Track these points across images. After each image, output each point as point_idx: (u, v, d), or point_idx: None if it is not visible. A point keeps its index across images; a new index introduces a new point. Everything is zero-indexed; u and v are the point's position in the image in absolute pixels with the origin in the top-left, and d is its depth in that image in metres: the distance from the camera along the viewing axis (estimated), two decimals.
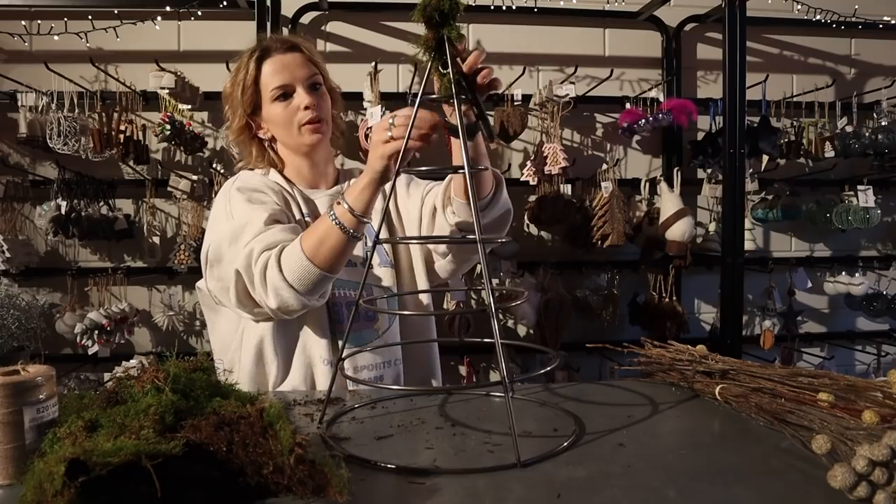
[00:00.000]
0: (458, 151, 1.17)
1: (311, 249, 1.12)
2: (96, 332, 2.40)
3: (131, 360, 2.49)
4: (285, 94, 1.31)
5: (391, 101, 2.58)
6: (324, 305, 1.28)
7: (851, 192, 2.73)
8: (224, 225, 1.23)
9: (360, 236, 1.15)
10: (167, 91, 2.36)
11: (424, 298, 1.46)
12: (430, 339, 1.42)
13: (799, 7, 2.65)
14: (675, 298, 2.73)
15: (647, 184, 2.75)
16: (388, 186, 1.41)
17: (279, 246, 1.15)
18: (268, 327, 1.27)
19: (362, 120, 2.47)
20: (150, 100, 2.55)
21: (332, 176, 1.45)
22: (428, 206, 1.36)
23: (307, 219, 1.33)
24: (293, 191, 1.36)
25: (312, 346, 1.28)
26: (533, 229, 2.82)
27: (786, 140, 2.74)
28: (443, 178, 2.44)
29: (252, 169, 1.41)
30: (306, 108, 1.30)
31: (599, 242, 2.56)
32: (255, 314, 1.23)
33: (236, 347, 1.31)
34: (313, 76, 1.33)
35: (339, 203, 1.12)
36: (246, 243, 1.17)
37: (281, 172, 1.39)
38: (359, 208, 1.11)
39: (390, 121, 1.04)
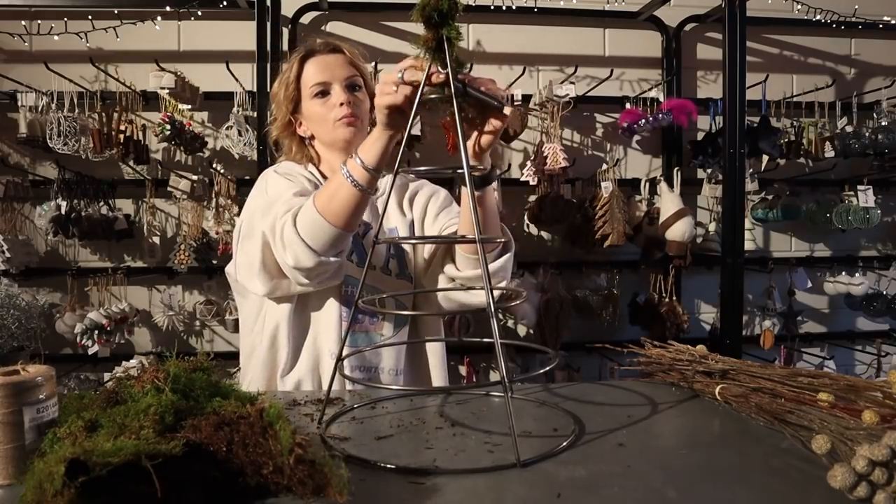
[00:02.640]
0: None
1: (324, 205, 1.12)
2: (96, 332, 2.40)
3: (131, 360, 2.49)
4: (324, 91, 1.35)
5: None
6: (338, 300, 1.30)
7: (851, 192, 2.74)
8: (258, 201, 1.27)
9: (373, 191, 1.13)
10: (167, 91, 2.36)
11: (437, 316, 1.47)
12: (431, 339, 1.42)
13: (799, 7, 2.65)
14: (675, 298, 2.73)
15: (647, 184, 2.75)
16: (383, 189, 1.43)
17: (298, 205, 1.17)
18: (284, 314, 1.28)
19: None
20: (150, 100, 2.55)
21: None
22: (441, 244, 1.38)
23: None
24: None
25: (322, 338, 1.30)
26: (533, 229, 2.82)
27: (786, 140, 2.74)
28: (443, 179, 2.44)
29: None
30: (341, 104, 1.32)
31: (599, 242, 2.56)
32: (276, 286, 1.23)
33: (258, 331, 1.33)
34: (352, 77, 1.36)
35: (351, 157, 1.11)
36: (275, 210, 1.20)
37: (318, 168, 1.43)
38: (370, 161, 1.09)
39: (399, 75, 1.01)
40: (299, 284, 1.20)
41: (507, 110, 0.99)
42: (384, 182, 1.46)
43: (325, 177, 1.40)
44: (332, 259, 1.16)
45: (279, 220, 1.17)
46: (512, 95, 2.58)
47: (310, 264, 1.14)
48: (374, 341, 1.33)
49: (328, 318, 1.30)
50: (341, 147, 1.38)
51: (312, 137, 1.42)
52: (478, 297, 1.31)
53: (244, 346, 1.38)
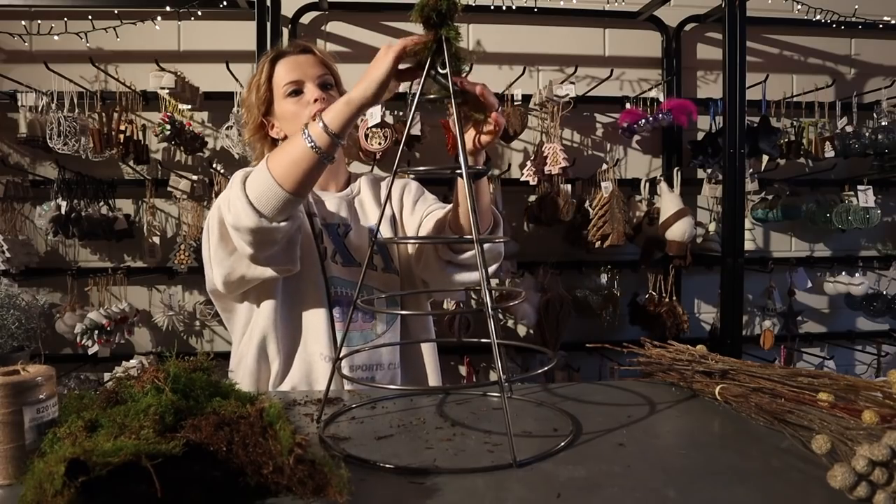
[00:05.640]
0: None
1: (276, 165, 1.08)
2: (96, 332, 2.40)
3: (131, 360, 2.49)
4: (296, 90, 1.34)
5: (391, 100, 2.58)
6: (326, 303, 1.30)
7: (851, 192, 2.73)
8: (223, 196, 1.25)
9: (331, 159, 1.09)
10: (167, 91, 2.36)
11: (425, 307, 1.48)
12: (429, 339, 1.42)
13: (799, 7, 2.65)
14: (675, 298, 2.73)
15: (647, 184, 2.75)
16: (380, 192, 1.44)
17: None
18: (270, 322, 1.28)
19: (362, 119, 2.47)
20: (150, 100, 2.55)
21: (342, 179, 1.47)
22: (424, 230, 1.38)
23: (315, 218, 1.35)
24: None
25: (312, 342, 1.29)
26: (533, 229, 2.82)
27: (786, 140, 2.74)
28: (442, 180, 2.43)
29: None
30: (315, 101, 1.32)
31: (599, 242, 2.56)
32: (232, 266, 1.21)
33: (245, 342, 1.32)
34: (324, 76, 1.36)
35: (314, 120, 1.07)
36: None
37: None
38: (334, 127, 1.05)
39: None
40: (246, 256, 1.16)
41: (495, 117, 1.00)
42: (359, 184, 1.46)
43: None
44: (274, 225, 1.10)
45: (231, 188, 1.14)
46: (512, 95, 2.58)
47: (250, 224, 1.09)
48: (367, 339, 1.33)
49: (317, 322, 1.29)
50: None
51: (285, 138, 1.40)
52: (475, 275, 1.30)
53: (233, 357, 1.37)
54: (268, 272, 1.20)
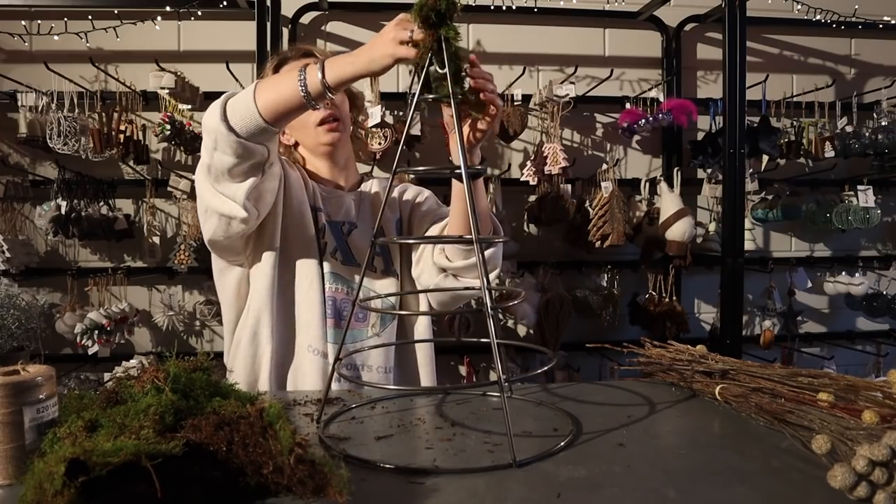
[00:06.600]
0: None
1: (262, 93, 1.09)
2: (96, 332, 2.40)
3: (131, 360, 2.49)
4: None
5: (391, 100, 2.58)
6: (320, 297, 1.30)
7: (851, 192, 2.73)
8: None
9: (317, 106, 1.10)
10: (167, 91, 2.36)
11: (423, 310, 1.48)
12: (428, 340, 1.42)
13: (799, 7, 2.65)
14: (675, 298, 2.73)
15: (647, 184, 2.75)
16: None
17: None
18: (266, 308, 1.28)
19: (363, 120, 2.47)
20: (150, 100, 2.55)
21: (353, 178, 1.47)
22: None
23: (321, 213, 1.35)
24: (312, 182, 1.39)
25: (302, 334, 1.30)
26: (533, 229, 2.82)
27: (786, 140, 2.74)
28: (442, 180, 2.44)
29: None
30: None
31: (599, 242, 2.56)
32: (204, 191, 1.20)
33: (241, 326, 1.33)
34: None
35: (314, 65, 1.07)
36: None
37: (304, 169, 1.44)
38: (331, 79, 1.05)
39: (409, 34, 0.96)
40: (205, 167, 1.16)
41: (491, 110, 1.01)
42: (370, 185, 1.47)
43: (311, 176, 1.41)
44: (233, 138, 1.09)
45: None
46: (512, 95, 2.58)
47: (212, 125, 1.10)
48: (358, 338, 1.33)
49: (309, 315, 1.30)
50: (324, 151, 1.39)
51: (296, 145, 1.43)
52: (472, 283, 1.31)
53: (226, 353, 1.37)
54: (227, 205, 1.17)
